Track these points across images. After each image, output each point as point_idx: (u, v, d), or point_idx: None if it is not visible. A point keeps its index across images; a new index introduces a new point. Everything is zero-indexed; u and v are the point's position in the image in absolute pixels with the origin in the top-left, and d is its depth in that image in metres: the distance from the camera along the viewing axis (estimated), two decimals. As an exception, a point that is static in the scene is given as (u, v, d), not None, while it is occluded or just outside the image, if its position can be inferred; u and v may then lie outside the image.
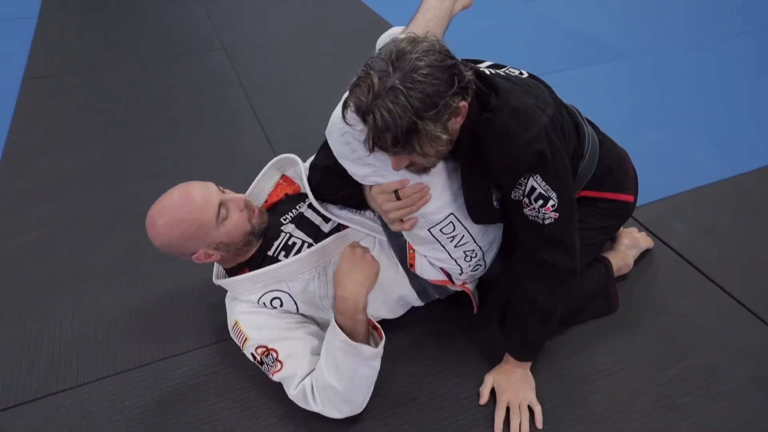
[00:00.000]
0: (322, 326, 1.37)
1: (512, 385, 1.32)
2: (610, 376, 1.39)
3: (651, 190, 1.89)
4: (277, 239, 1.35)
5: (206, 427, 1.30)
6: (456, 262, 1.31)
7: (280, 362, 1.24)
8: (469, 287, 1.43)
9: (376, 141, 1.03)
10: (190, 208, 1.24)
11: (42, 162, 2.25)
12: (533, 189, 1.15)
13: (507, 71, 1.27)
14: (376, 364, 1.22)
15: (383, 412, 1.31)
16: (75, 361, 1.46)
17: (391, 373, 1.38)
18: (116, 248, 1.81)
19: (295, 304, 1.31)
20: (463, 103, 1.05)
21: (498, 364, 1.37)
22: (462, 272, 1.34)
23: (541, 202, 1.16)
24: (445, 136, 1.06)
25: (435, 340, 1.49)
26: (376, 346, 1.21)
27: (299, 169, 1.44)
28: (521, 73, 1.28)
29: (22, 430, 1.30)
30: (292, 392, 1.24)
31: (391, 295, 1.39)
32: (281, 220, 1.40)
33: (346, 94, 1.06)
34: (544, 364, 1.41)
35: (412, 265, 1.34)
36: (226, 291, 1.39)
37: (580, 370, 1.40)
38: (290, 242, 1.35)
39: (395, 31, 1.29)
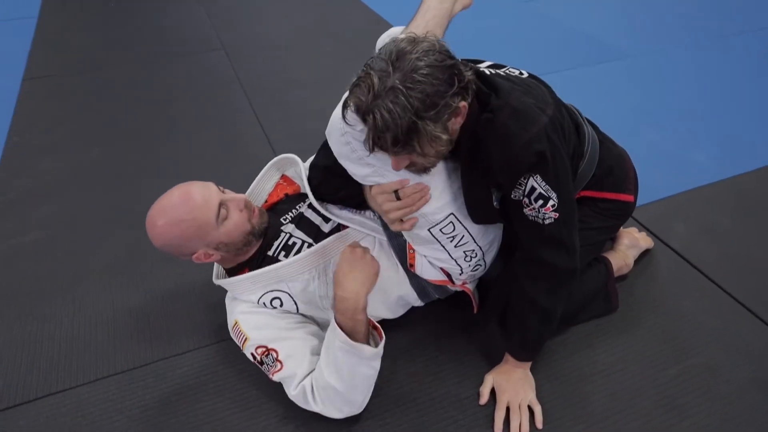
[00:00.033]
0: (322, 326, 1.37)
1: (512, 385, 1.32)
2: (610, 376, 1.39)
3: (651, 190, 1.89)
4: (277, 239, 1.35)
5: (206, 427, 1.30)
6: (456, 262, 1.31)
7: (280, 362, 1.24)
8: (469, 287, 1.43)
9: (377, 141, 1.03)
10: (190, 207, 1.24)
11: (42, 162, 2.25)
12: (533, 189, 1.15)
13: (507, 71, 1.27)
14: (376, 364, 1.22)
15: (383, 412, 1.31)
16: (75, 361, 1.46)
17: (391, 373, 1.38)
18: (116, 248, 1.81)
19: (295, 304, 1.31)
20: (463, 103, 1.05)
21: (498, 364, 1.37)
22: (462, 272, 1.34)
23: (541, 202, 1.16)
24: (445, 136, 1.06)
25: (435, 340, 1.49)
26: (376, 346, 1.21)
27: (299, 169, 1.44)
28: (521, 73, 1.28)
29: (22, 430, 1.30)
30: (292, 392, 1.24)
31: (391, 295, 1.39)
32: (281, 220, 1.40)
33: (346, 94, 1.06)
34: (544, 364, 1.41)
35: (412, 265, 1.34)
36: (226, 291, 1.39)
37: (580, 370, 1.40)
38: (290, 242, 1.35)
39: (395, 31, 1.29)
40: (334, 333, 1.18)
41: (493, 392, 1.33)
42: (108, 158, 2.28)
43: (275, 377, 1.26)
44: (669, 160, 2.17)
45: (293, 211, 1.42)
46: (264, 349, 1.25)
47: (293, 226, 1.38)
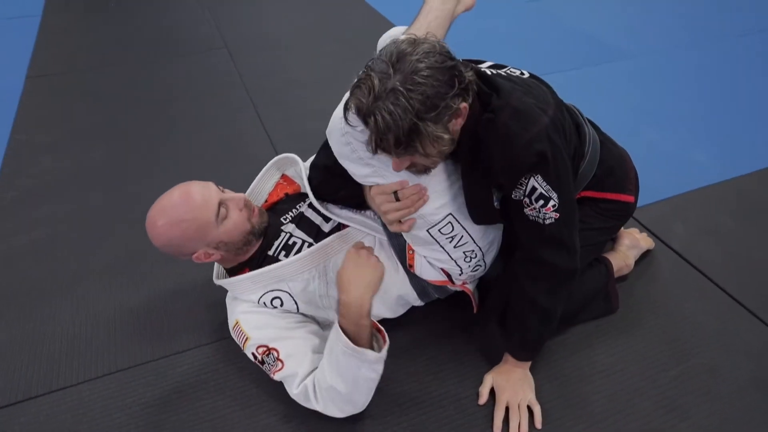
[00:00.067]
0: (323, 325, 1.37)
1: (512, 385, 1.32)
2: (609, 377, 1.39)
3: (651, 190, 1.89)
4: (277, 239, 1.36)
5: (206, 425, 1.30)
6: (456, 262, 1.31)
7: (281, 361, 1.24)
8: (469, 287, 1.43)
9: (379, 143, 1.03)
10: (190, 207, 1.24)
11: (42, 161, 2.25)
12: (534, 189, 1.15)
13: (508, 71, 1.27)
14: (380, 368, 1.21)
15: (383, 412, 1.32)
16: (76, 359, 1.46)
17: (391, 373, 1.37)
18: (116, 248, 1.81)
19: (296, 303, 1.31)
20: (464, 104, 1.05)
21: (498, 364, 1.37)
22: (462, 273, 1.34)
23: (541, 202, 1.16)
24: (447, 136, 1.06)
25: (435, 340, 1.49)
26: (380, 349, 1.21)
27: (299, 168, 1.44)
28: (522, 74, 1.28)
29: (22, 428, 1.30)
30: (294, 391, 1.24)
31: (391, 295, 1.39)
32: (281, 219, 1.40)
33: (347, 94, 1.06)
34: (544, 364, 1.41)
35: (411, 266, 1.34)
36: (226, 290, 1.40)
37: (580, 370, 1.40)
38: (290, 242, 1.35)
39: (396, 31, 1.29)
40: (338, 337, 1.17)
41: (492, 392, 1.33)
42: (108, 158, 2.28)
43: (276, 376, 1.26)
44: (669, 161, 2.17)
45: (293, 210, 1.42)
46: (265, 349, 1.25)
47: (293, 225, 1.38)
